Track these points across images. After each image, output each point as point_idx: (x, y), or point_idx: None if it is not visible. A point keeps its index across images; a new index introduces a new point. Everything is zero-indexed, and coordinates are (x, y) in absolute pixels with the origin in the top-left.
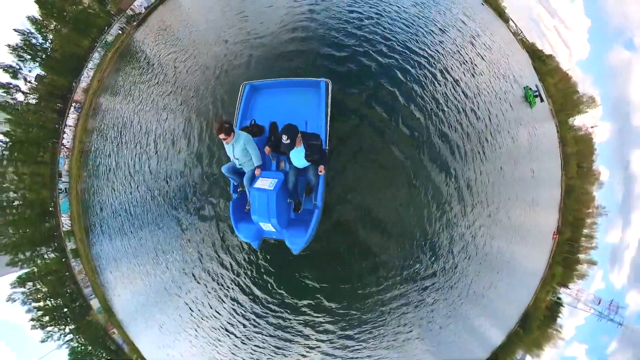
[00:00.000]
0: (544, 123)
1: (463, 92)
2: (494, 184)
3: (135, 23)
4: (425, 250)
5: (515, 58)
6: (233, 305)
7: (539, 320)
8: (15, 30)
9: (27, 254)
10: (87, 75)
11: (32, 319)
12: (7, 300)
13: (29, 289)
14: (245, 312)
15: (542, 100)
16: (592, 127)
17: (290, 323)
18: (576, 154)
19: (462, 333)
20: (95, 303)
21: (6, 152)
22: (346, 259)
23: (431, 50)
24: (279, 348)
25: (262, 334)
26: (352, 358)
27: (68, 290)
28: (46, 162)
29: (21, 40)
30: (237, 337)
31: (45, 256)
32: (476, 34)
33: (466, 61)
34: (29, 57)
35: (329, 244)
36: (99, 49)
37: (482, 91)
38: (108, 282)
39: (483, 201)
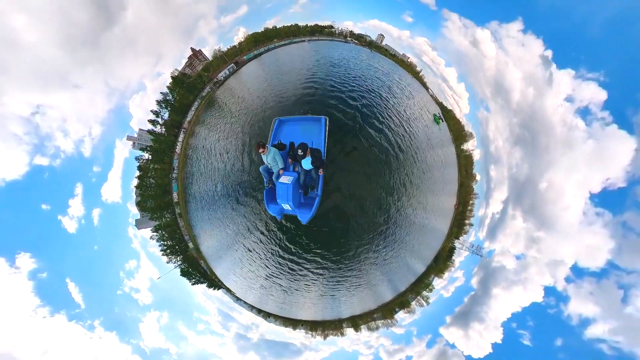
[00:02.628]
0: (449, 147)
1: (402, 124)
2: (420, 180)
3: (217, 86)
4: (381, 218)
5: (431, 107)
6: (268, 249)
7: (443, 258)
8: (161, 93)
9: (158, 213)
10: (190, 114)
11: (161, 250)
12: (150, 238)
13: (158, 234)
14: (274, 254)
15: (442, 120)
16: (472, 150)
17: (300, 264)
18: (465, 164)
19: (400, 265)
20: (190, 245)
21: (150, 157)
22: (335, 225)
23: (384, 102)
24: (293, 274)
25: (283, 267)
26: (339, 285)
27: (176, 236)
28: (168, 162)
29: (162, 98)
30: (270, 267)
31: (167, 216)
32: (410, 95)
33: (404, 109)
34: (164, 107)
35: (325, 216)
36: (197, 100)
37: (412, 123)
38: (197, 233)
39: (414, 189)
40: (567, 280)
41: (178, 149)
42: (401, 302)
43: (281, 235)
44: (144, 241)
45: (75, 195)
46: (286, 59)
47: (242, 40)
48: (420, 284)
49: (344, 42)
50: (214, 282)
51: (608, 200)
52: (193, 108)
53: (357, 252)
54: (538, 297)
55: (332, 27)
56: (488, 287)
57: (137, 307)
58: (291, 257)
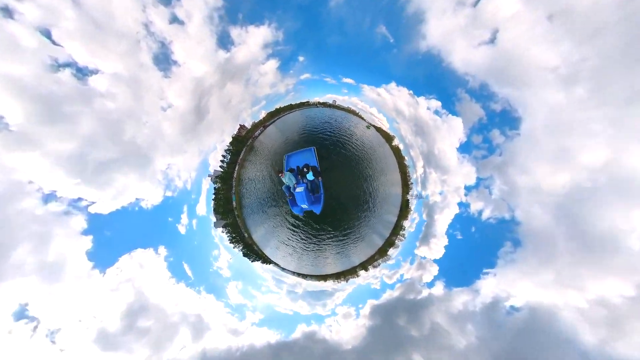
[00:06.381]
0: (385, 145)
1: (355, 141)
2: (377, 167)
3: (254, 139)
4: (363, 197)
5: (364, 124)
6: (297, 233)
7: (404, 208)
8: (227, 145)
9: (226, 215)
10: (241, 155)
11: (229, 240)
12: (222, 232)
13: (227, 229)
14: (302, 234)
15: (370, 127)
16: (397, 144)
17: (319, 237)
18: (397, 153)
19: (381, 221)
20: (246, 235)
21: (219, 183)
22: (337, 209)
23: (343, 133)
24: (316, 244)
25: (309, 241)
26: (347, 244)
27: (238, 230)
28: (229, 184)
29: (227, 148)
30: (301, 242)
31: (229, 217)
32: (356, 125)
33: (354, 133)
34: (228, 153)
35: (329, 206)
36: (245, 147)
37: (360, 137)
38: (250, 227)
39: (376, 174)
40: (465, 195)
41: (235, 175)
42: (390, 243)
43: (303, 223)
44: (221, 238)
45: (184, 212)
46: (288, 120)
47: (265, 116)
48: (397, 228)
49: (316, 107)
50: (266, 259)
51: (468, 149)
52: (242, 152)
53: (353, 220)
54: (456, 210)
55: (308, 101)
56: (432, 216)
57: (223, 279)
58: (312, 233)
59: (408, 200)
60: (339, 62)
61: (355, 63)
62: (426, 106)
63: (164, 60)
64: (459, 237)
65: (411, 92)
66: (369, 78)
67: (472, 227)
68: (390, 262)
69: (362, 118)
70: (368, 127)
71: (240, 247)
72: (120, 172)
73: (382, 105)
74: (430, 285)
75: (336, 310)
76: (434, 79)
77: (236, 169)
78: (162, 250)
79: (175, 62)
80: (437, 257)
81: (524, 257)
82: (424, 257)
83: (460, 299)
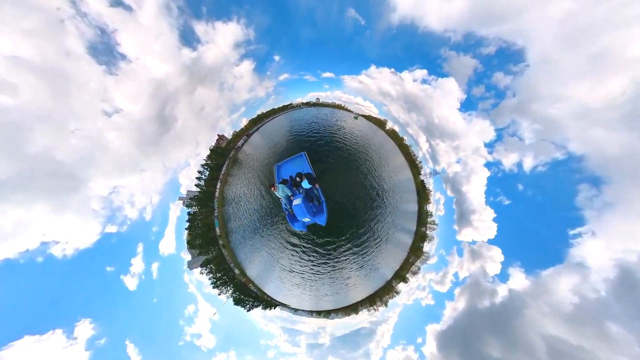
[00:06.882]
0: (380, 132)
1: (346, 134)
2: (378, 157)
3: (237, 150)
4: (372, 197)
5: (351, 115)
6: (302, 256)
7: (421, 192)
8: (204, 159)
9: (205, 248)
10: (223, 169)
11: (212, 284)
12: (200, 273)
13: (208, 268)
14: (309, 256)
15: (358, 117)
16: (392, 127)
17: (332, 253)
18: (394, 136)
19: (400, 214)
20: (236, 271)
21: (196, 206)
22: (344, 215)
23: (332, 128)
24: (331, 264)
25: (321, 263)
26: (369, 251)
27: (224, 267)
28: (210, 206)
29: (204, 162)
30: (312, 268)
31: (212, 250)
32: (343, 119)
33: (343, 126)
34: (206, 168)
35: (334, 213)
36: (227, 160)
37: (351, 130)
38: (241, 260)
39: (379, 164)
40: (490, 152)
41: (217, 194)
42: (421, 237)
43: (308, 241)
44: (199, 284)
45: (137, 254)
46: (273, 126)
47: (247, 124)
48: (423, 217)
49: (300, 108)
50: (268, 302)
51: (472, 105)
52: (224, 166)
53: (365, 222)
54: (485, 172)
55: (291, 103)
56: (459, 190)
57: (202, 354)
58: (323, 252)
59: (422, 181)
60: (316, 57)
61: (331, 55)
62: (412, 79)
63: (105, 52)
64: (506, 202)
65: (392, 70)
66: (347, 67)
67: (518, 184)
68: (432, 260)
69: (349, 110)
70: (356, 118)
71: (230, 292)
72: (11, 201)
73: (367, 92)
74: (503, 277)
75: (387, 356)
76: (413, 49)
77: (218, 186)
78: (85, 327)
79: (123, 57)
80: (491, 237)
81: (620, 192)
82: (473, 242)
83: (562, 283)
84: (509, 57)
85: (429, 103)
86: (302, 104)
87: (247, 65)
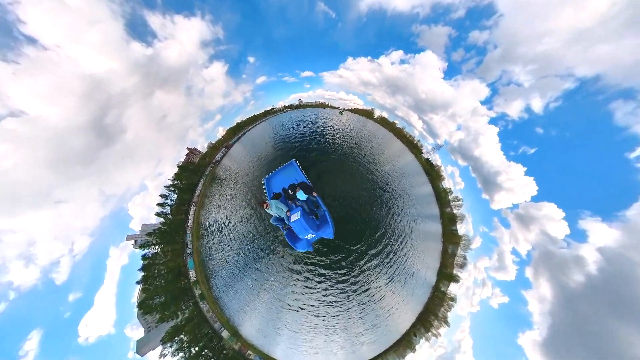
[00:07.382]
0: (369, 122)
1: (336, 129)
2: (376, 149)
3: (216, 165)
4: (377, 193)
5: (336, 110)
6: (314, 295)
7: (432, 171)
8: (169, 179)
9: (172, 308)
10: (198, 189)
11: None
12: (161, 357)
13: (176, 343)
14: (325, 294)
15: (343, 112)
16: (380, 114)
17: (347, 272)
18: (385, 123)
19: (421, 217)
20: (225, 334)
21: (158, 244)
22: (350, 221)
23: (320, 126)
24: (363, 290)
25: (348, 292)
26: (393, 265)
27: (204, 331)
28: (180, 241)
29: (170, 183)
30: (335, 307)
31: (184, 308)
32: (329, 117)
33: (329, 123)
34: (173, 190)
35: (339, 222)
36: (203, 178)
37: (340, 125)
38: (230, 315)
39: (379, 157)
40: (489, 109)
41: (190, 223)
42: (449, 219)
43: (318, 263)
44: None
45: (25, 354)
46: (256, 135)
47: (224, 134)
48: (442, 195)
49: (283, 112)
50: None
51: (456, 69)
52: (200, 185)
53: (377, 222)
54: (493, 129)
55: (273, 108)
56: (470, 156)
57: None
58: (340, 270)
59: (427, 159)
60: (293, 56)
61: (307, 52)
62: (389, 62)
63: None
64: (531, 151)
65: (369, 57)
66: (325, 64)
67: (536, 128)
68: (475, 244)
69: (334, 107)
70: (341, 113)
71: None
72: None
73: (348, 86)
74: (579, 236)
75: None
76: (386, 33)
77: (192, 212)
78: None
79: (30, 40)
80: (533, 194)
81: None
82: (514, 206)
83: None
84: (480, 14)
85: (411, 81)
86: (285, 107)
87: (219, 68)
